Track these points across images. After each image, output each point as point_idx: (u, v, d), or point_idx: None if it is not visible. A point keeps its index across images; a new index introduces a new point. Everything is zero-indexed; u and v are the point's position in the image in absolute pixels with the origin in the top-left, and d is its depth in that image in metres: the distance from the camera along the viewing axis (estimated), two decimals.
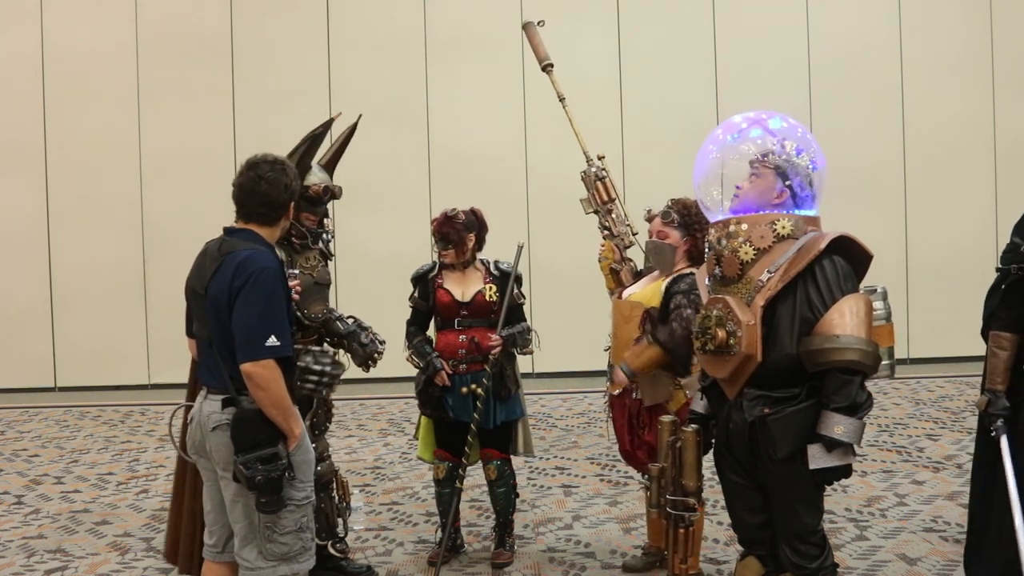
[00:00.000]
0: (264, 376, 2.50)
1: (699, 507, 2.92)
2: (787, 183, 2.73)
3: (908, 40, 9.28)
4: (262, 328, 2.51)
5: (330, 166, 3.79)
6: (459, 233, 3.87)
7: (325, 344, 3.76)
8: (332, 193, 3.66)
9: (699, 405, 2.96)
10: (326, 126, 3.64)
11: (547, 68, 4.09)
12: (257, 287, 2.53)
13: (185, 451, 2.87)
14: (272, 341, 2.51)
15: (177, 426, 3.13)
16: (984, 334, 3.17)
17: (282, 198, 2.69)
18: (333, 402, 3.78)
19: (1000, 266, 3.11)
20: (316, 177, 3.59)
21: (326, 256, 3.76)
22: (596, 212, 3.85)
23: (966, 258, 9.03)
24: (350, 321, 3.78)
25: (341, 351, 3.76)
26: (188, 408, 2.92)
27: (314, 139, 3.59)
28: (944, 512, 4.47)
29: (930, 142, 9.23)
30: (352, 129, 3.83)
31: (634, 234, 3.82)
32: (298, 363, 3.29)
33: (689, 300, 3.34)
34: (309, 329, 3.60)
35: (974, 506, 3.37)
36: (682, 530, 2.90)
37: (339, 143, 3.83)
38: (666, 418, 3.00)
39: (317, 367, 3.39)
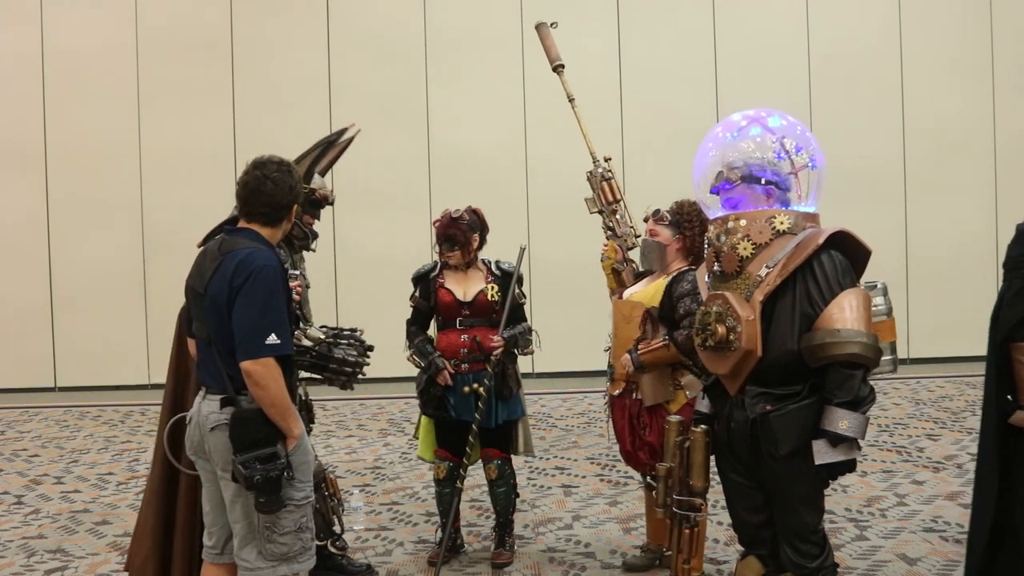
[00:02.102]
0: (264, 374, 2.50)
1: (703, 507, 2.92)
2: (764, 182, 2.73)
3: (908, 40, 9.29)
4: (262, 326, 2.51)
5: (324, 171, 3.82)
6: (465, 234, 3.87)
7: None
8: (326, 197, 3.70)
9: (703, 405, 2.96)
10: (340, 134, 3.67)
11: (558, 69, 4.08)
12: (257, 285, 2.52)
13: (177, 459, 2.90)
14: (272, 339, 2.51)
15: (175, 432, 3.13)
16: (999, 343, 2.86)
17: (286, 199, 2.69)
18: (313, 403, 3.79)
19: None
20: (318, 181, 3.62)
21: (306, 250, 3.78)
22: (600, 212, 3.85)
23: (966, 258, 9.05)
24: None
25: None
26: (182, 418, 2.90)
27: (328, 145, 3.63)
28: (944, 512, 4.47)
29: (930, 141, 9.23)
30: (349, 142, 3.84)
31: (636, 236, 3.82)
32: (335, 355, 3.29)
33: (695, 301, 3.34)
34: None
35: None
36: (687, 530, 2.90)
37: (336, 153, 3.84)
38: (674, 418, 3.00)
39: (351, 359, 3.35)
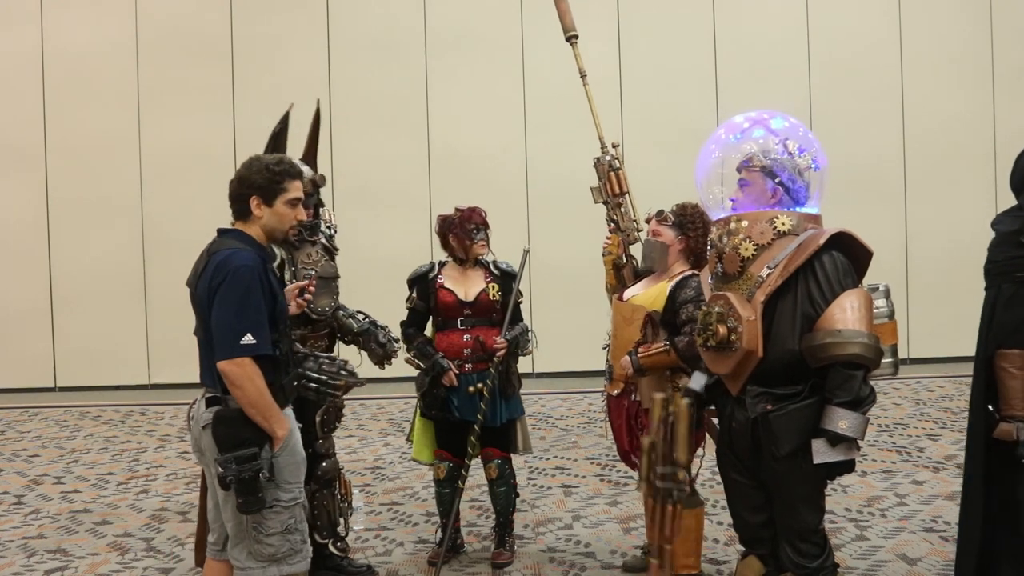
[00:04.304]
0: (238, 374, 2.50)
1: (689, 482, 2.84)
2: (777, 181, 2.75)
3: (908, 40, 9.29)
4: (237, 326, 2.51)
5: (308, 157, 3.75)
6: (487, 223, 3.90)
7: (337, 343, 3.76)
8: (314, 183, 3.63)
9: (696, 382, 2.93)
10: (284, 121, 3.65)
11: (572, 39, 3.94)
12: (233, 285, 2.53)
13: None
14: (248, 339, 2.50)
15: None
16: (986, 350, 2.85)
17: (236, 191, 2.69)
18: (345, 401, 3.79)
19: (1018, 275, 2.77)
20: None
21: (329, 250, 3.74)
22: (605, 203, 3.80)
23: (966, 258, 8.93)
24: (362, 318, 3.79)
25: (356, 352, 3.75)
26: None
27: (275, 137, 3.61)
28: (944, 512, 4.47)
29: (930, 141, 9.23)
30: (316, 116, 3.80)
31: (639, 231, 3.80)
32: (299, 368, 3.24)
33: (697, 307, 3.32)
34: (318, 324, 3.60)
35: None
36: (669, 506, 2.81)
37: (310, 133, 3.81)
38: (658, 395, 2.93)
39: (315, 375, 3.26)
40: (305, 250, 3.60)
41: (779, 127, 2.85)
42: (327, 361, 3.31)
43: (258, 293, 2.57)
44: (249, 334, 2.51)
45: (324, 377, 3.25)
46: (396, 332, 3.95)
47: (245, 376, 2.50)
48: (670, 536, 2.81)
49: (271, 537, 2.60)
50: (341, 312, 3.78)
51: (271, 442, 2.56)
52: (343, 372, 3.32)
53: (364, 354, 3.82)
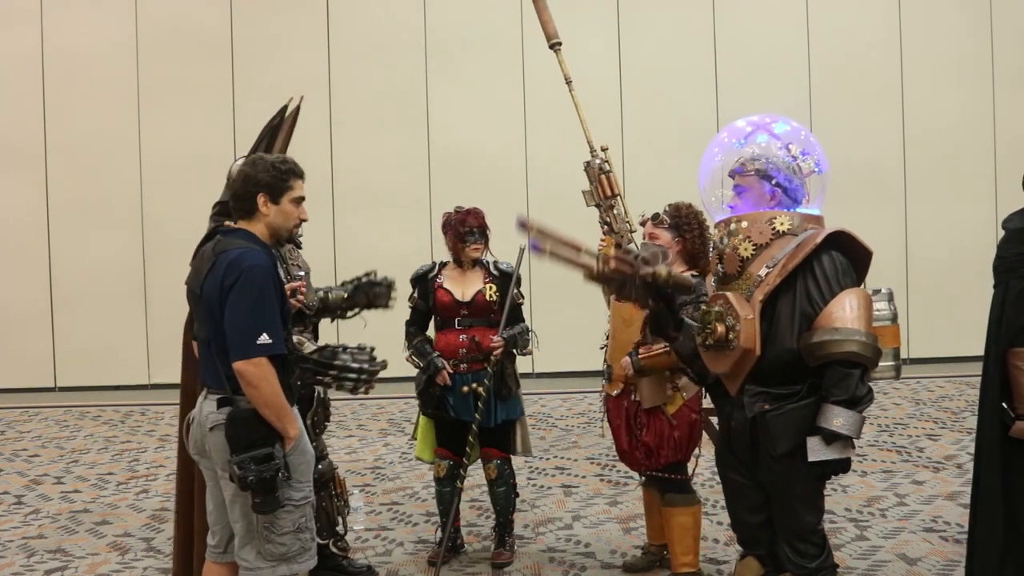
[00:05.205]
0: (256, 374, 2.50)
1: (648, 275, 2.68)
2: (773, 183, 2.75)
3: (908, 40, 9.29)
4: (253, 326, 2.50)
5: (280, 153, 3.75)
6: (486, 226, 3.90)
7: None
8: None
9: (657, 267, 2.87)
10: (282, 114, 3.65)
11: (555, 47, 3.96)
12: (247, 285, 2.52)
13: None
14: (264, 339, 2.50)
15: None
16: (996, 348, 2.86)
17: (243, 189, 2.68)
18: (331, 401, 3.78)
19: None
20: None
21: (297, 244, 3.73)
22: (598, 206, 3.81)
23: (966, 258, 9.04)
24: (341, 285, 3.79)
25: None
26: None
27: (272, 130, 3.61)
28: (944, 512, 4.47)
29: (930, 142, 9.24)
30: (296, 113, 3.80)
31: (631, 232, 3.80)
32: (335, 361, 3.26)
33: (696, 310, 3.31)
34: (310, 317, 3.60)
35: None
36: (611, 268, 2.72)
37: (286, 129, 3.80)
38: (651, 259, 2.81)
39: (355, 364, 3.30)
40: (286, 247, 3.59)
41: (782, 131, 2.85)
42: (356, 350, 3.35)
43: (271, 292, 2.58)
44: (265, 334, 2.51)
45: (364, 366, 3.30)
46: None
47: (262, 376, 2.50)
48: (597, 276, 2.77)
49: (283, 536, 2.60)
50: (322, 294, 3.76)
51: (282, 441, 2.56)
52: (374, 358, 3.38)
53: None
